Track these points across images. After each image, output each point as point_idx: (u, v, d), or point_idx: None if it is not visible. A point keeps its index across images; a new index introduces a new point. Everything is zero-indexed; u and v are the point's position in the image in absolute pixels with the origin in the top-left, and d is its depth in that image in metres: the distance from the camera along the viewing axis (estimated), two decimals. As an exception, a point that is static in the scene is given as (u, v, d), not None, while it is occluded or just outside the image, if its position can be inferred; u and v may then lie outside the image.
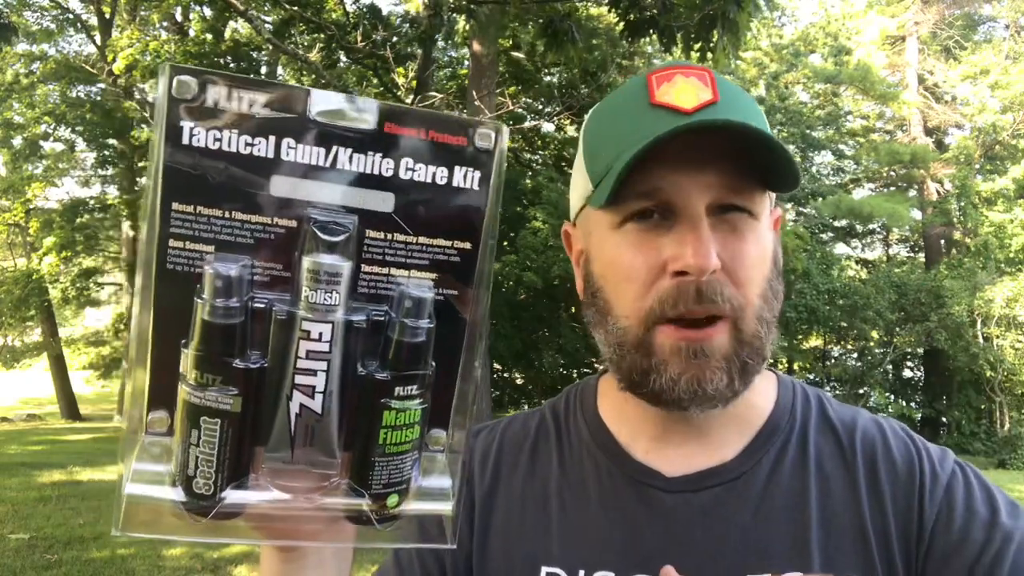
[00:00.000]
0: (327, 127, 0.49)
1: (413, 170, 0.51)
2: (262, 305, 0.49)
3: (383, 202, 0.51)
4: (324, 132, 0.49)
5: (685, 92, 0.66)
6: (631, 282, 0.68)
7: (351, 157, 0.50)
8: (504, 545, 0.77)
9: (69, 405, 16.78)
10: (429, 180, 0.52)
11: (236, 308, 0.47)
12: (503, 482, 0.81)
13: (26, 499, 6.31)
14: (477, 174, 0.52)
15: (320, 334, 0.48)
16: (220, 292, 0.47)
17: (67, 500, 6.33)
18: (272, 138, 0.48)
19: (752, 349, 0.67)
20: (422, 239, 0.52)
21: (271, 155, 0.48)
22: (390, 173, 0.51)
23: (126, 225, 15.86)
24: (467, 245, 0.53)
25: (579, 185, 0.75)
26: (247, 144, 0.48)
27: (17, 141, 16.12)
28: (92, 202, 16.19)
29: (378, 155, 0.50)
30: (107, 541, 5.10)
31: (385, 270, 0.51)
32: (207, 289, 0.47)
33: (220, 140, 0.47)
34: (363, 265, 0.51)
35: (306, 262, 0.48)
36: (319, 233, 0.48)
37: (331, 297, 0.48)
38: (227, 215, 0.48)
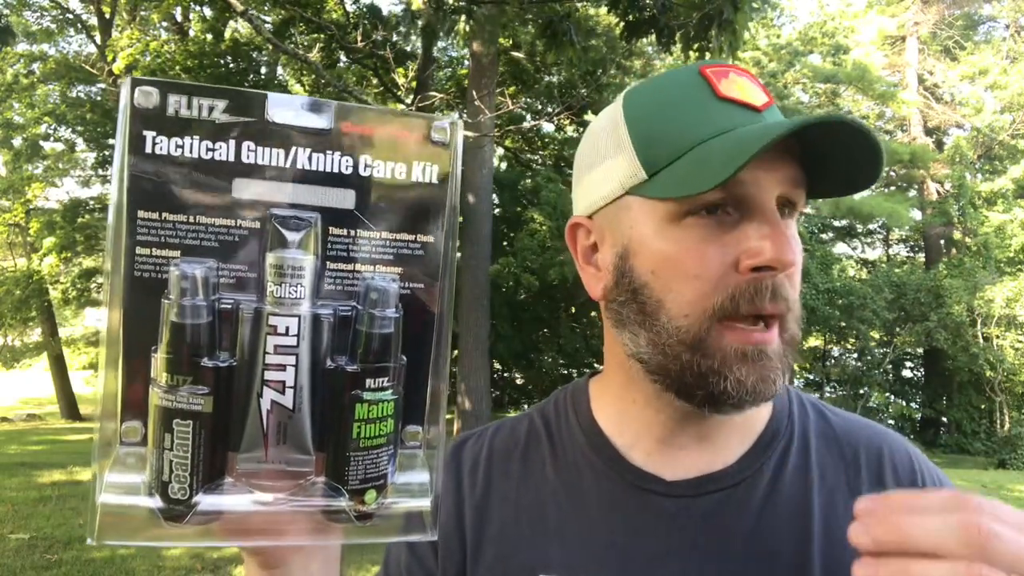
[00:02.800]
0: (285, 128, 0.50)
1: (372, 167, 0.52)
2: (229, 305, 0.50)
3: (344, 199, 0.52)
4: (283, 134, 0.50)
5: (747, 89, 0.66)
6: (696, 279, 0.65)
7: (310, 157, 0.51)
8: (500, 554, 0.76)
9: (69, 405, 16.79)
10: (388, 176, 0.53)
11: (203, 307, 0.48)
12: (495, 490, 0.79)
13: (26, 499, 6.31)
14: (435, 168, 0.54)
15: (287, 328, 0.49)
16: (186, 292, 0.48)
17: (67, 500, 6.33)
18: (232, 142, 0.49)
19: (792, 350, 0.67)
20: (385, 234, 0.53)
21: (232, 159, 0.49)
22: (349, 171, 0.52)
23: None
24: (430, 238, 0.54)
25: (615, 173, 0.70)
26: (208, 149, 0.49)
27: (17, 141, 16.11)
28: (92, 202, 16.19)
29: (336, 154, 0.51)
30: (106, 541, 5.10)
31: (350, 266, 0.52)
32: (174, 290, 0.48)
33: (182, 147, 0.49)
34: (328, 262, 0.52)
35: (270, 258, 0.49)
36: (281, 228, 0.49)
37: (296, 290, 0.49)
38: (191, 220, 0.49)
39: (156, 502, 0.49)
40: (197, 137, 0.49)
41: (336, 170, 0.52)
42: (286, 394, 0.50)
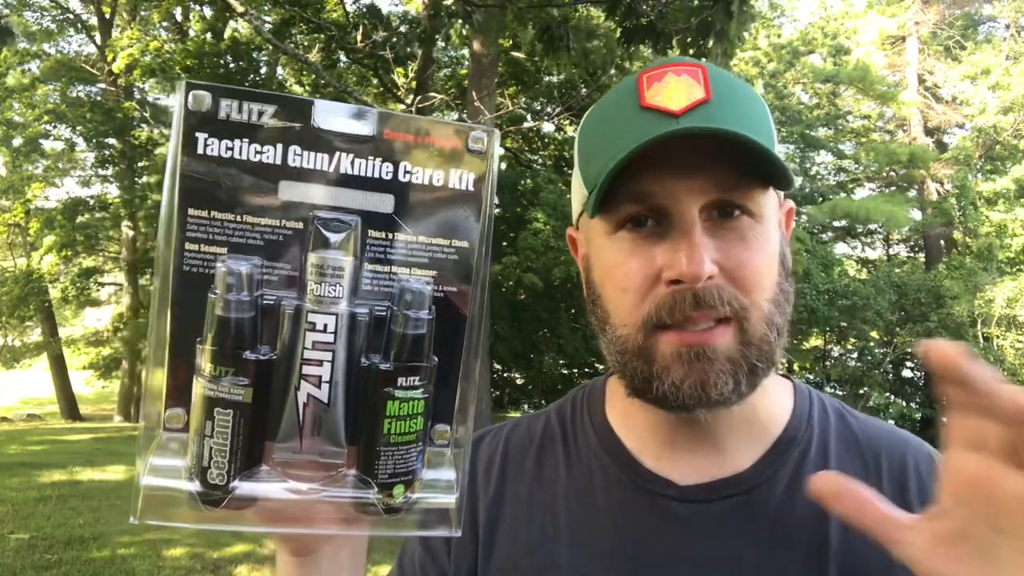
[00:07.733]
0: (330, 134, 0.53)
1: (411, 173, 0.54)
2: (271, 302, 0.52)
3: (383, 204, 0.54)
4: (328, 139, 0.53)
5: (675, 92, 0.64)
6: (625, 291, 0.67)
7: (353, 162, 0.53)
8: (511, 552, 0.76)
9: (69, 405, 16.80)
10: (426, 182, 0.55)
11: (247, 303, 0.50)
12: (509, 489, 0.80)
13: (26, 499, 6.31)
14: (472, 175, 0.56)
15: (325, 325, 0.51)
16: (232, 287, 0.50)
17: (67, 500, 6.34)
18: (279, 146, 0.52)
19: (760, 352, 0.65)
20: (421, 238, 0.55)
21: (279, 162, 0.52)
22: (390, 176, 0.54)
23: (126, 225, 15.87)
24: (464, 243, 0.56)
25: (577, 190, 0.74)
26: (256, 152, 0.51)
27: (17, 141, 16.11)
28: (92, 202, 16.19)
29: (378, 160, 0.54)
30: (107, 541, 5.11)
31: (387, 268, 0.54)
32: (220, 285, 0.50)
33: (232, 149, 0.51)
34: (366, 263, 0.54)
35: (312, 257, 0.52)
36: (323, 230, 0.52)
37: (335, 290, 0.51)
38: (239, 219, 0.52)
39: (195, 486, 0.51)
40: (246, 140, 0.51)
41: (377, 175, 0.54)
42: (322, 388, 0.51)
